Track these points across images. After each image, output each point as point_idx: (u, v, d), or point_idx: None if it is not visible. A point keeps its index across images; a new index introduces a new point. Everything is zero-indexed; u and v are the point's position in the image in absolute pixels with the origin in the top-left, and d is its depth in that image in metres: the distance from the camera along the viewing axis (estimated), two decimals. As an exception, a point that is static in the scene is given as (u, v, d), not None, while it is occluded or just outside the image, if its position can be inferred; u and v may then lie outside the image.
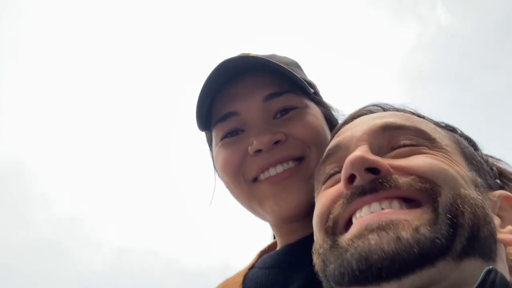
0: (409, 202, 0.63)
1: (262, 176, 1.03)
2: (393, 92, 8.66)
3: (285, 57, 1.16)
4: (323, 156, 0.80)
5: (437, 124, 0.80)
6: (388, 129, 0.71)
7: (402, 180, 0.63)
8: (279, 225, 1.10)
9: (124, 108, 7.67)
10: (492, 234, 0.63)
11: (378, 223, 0.59)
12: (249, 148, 1.01)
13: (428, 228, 0.58)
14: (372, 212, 0.63)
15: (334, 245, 0.66)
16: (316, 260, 0.72)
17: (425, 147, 0.69)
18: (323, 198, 0.73)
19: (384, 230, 0.58)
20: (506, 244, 0.66)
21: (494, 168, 0.79)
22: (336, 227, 0.68)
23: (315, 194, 0.82)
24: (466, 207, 0.61)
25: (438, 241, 0.57)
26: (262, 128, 1.02)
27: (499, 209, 0.69)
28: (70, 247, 7.30)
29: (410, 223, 0.59)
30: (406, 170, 0.65)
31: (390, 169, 0.65)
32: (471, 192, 0.63)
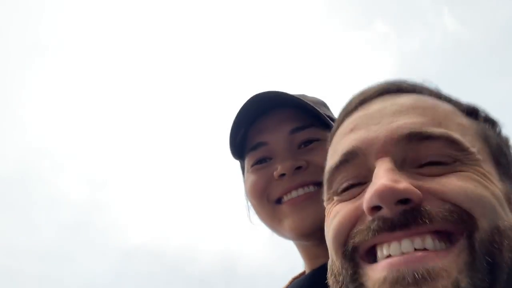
0: (441, 234, 0.58)
1: (285, 198, 1.14)
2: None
3: (313, 97, 1.30)
4: (336, 160, 0.70)
5: (459, 107, 0.72)
6: (414, 139, 0.63)
7: (436, 210, 0.58)
8: (302, 248, 1.19)
9: (123, 109, 7.68)
10: None
11: (413, 273, 0.54)
12: (274, 172, 1.14)
13: (468, 279, 0.54)
14: (403, 253, 0.57)
15: (357, 281, 0.62)
16: (333, 284, 0.68)
17: (457, 163, 0.62)
18: (341, 215, 0.67)
19: (421, 287, 0.53)
20: None
21: None
22: (356, 253, 0.64)
23: (324, 199, 0.77)
24: (504, 243, 0.57)
25: None
26: (286, 155, 1.15)
27: None
28: (75, 251, 7.30)
29: (449, 273, 0.54)
30: (439, 196, 0.59)
31: (421, 196, 0.58)
32: (508, 219, 0.59)
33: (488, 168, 0.64)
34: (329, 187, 0.73)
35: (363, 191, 0.65)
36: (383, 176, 0.59)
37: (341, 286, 0.65)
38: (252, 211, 1.25)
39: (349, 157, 0.68)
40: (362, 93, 0.76)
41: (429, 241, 0.58)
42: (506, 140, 0.73)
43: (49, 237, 7.13)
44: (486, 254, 0.55)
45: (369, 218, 0.61)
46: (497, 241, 0.56)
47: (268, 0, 8.82)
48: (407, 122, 0.65)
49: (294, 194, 1.12)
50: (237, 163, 1.33)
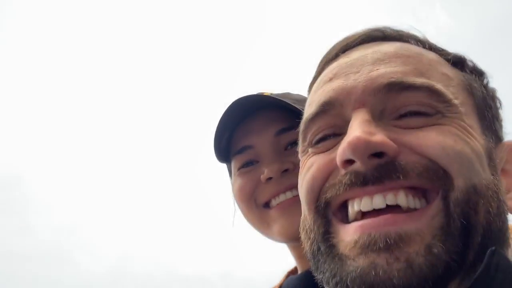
0: (416, 190, 0.56)
1: (273, 202, 1.14)
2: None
3: (298, 95, 1.25)
4: (312, 111, 0.67)
5: (445, 56, 0.68)
6: (394, 89, 0.59)
7: (411, 165, 0.55)
8: (292, 247, 1.18)
9: (120, 112, 7.64)
10: (505, 222, 0.57)
11: (386, 238, 0.52)
12: (261, 176, 1.13)
13: (441, 243, 0.52)
14: (374, 210, 0.56)
15: (329, 241, 0.59)
16: (304, 239, 0.66)
17: (438, 115, 0.59)
18: (314, 168, 0.63)
19: (393, 252, 0.51)
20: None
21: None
22: (328, 208, 0.61)
23: (298, 151, 0.73)
24: (480, 203, 0.54)
25: (453, 262, 0.52)
26: (272, 158, 1.14)
27: (506, 162, 0.61)
28: (72, 253, 7.28)
29: (422, 237, 0.52)
30: (416, 150, 0.56)
31: (397, 149, 0.56)
32: (486, 177, 0.56)
33: (471, 121, 0.60)
34: (304, 139, 0.70)
35: (338, 143, 0.62)
36: (358, 128, 0.57)
37: (312, 243, 0.63)
38: (238, 214, 1.25)
39: (326, 108, 0.64)
40: (344, 40, 0.72)
41: (402, 197, 0.55)
42: (492, 92, 0.70)
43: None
44: (461, 216, 0.53)
45: (342, 172, 0.58)
46: (473, 200, 0.54)
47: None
48: (388, 71, 0.61)
49: (282, 197, 1.11)
50: (220, 167, 1.32)
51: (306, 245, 0.65)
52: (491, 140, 0.62)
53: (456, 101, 0.60)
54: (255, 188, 1.15)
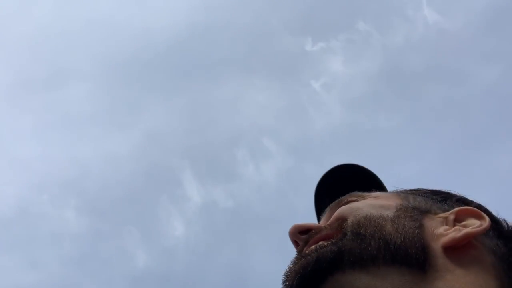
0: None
1: None
2: (388, 96, 8.69)
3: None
4: None
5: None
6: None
7: (328, 228, 0.69)
8: None
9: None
10: (413, 243, 0.61)
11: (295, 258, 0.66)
12: None
13: (331, 242, 0.63)
14: None
15: None
16: None
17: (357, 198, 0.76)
18: None
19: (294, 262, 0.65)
20: (446, 244, 0.61)
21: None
22: None
23: None
24: (370, 223, 0.64)
25: (344, 249, 0.61)
26: None
27: (455, 221, 0.66)
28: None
29: (317, 246, 0.64)
30: (333, 219, 0.71)
31: (323, 226, 0.71)
32: (381, 212, 0.66)
33: (387, 199, 0.73)
34: None
35: None
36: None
37: None
38: None
39: None
40: None
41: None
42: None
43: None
44: (352, 230, 0.63)
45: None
46: (362, 222, 0.64)
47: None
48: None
49: None
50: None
51: None
52: (422, 207, 0.70)
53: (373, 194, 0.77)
54: None
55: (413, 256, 0.58)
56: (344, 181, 1.22)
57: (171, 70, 8.79)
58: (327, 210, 0.83)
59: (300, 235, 0.71)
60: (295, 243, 0.73)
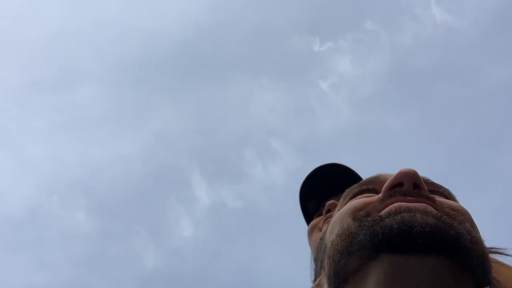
0: None
1: None
2: (396, 96, 8.64)
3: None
4: (355, 185, 0.74)
5: None
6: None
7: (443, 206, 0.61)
8: None
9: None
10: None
11: (417, 208, 0.57)
12: None
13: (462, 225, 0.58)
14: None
15: (364, 220, 0.61)
16: (330, 253, 0.64)
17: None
18: (352, 203, 0.67)
19: (425, 214, 0.56)
20: None
21: None
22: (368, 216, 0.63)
23: (336, 211, 0.75)
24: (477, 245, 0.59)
25: (469, 237, 0.56)
26: None
27: None
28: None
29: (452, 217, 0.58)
30: (446, 205, 0.63)
31: (435, 197, 0.62)
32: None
33: None
34: (344, 199, 0.75)
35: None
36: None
37: (346, 240, 0.61)
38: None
39: (370, 180, 0.72)
40: None
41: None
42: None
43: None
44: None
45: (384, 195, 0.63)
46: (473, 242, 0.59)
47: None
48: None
49: None
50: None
51: (332, 253, 0.64)
52: None
53: None
54: None
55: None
56: (331, 180, 1.29)
57: (179, 71, 8.82)
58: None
59: (415, 187, 0.61)
60: (394, 186, 0.62)
